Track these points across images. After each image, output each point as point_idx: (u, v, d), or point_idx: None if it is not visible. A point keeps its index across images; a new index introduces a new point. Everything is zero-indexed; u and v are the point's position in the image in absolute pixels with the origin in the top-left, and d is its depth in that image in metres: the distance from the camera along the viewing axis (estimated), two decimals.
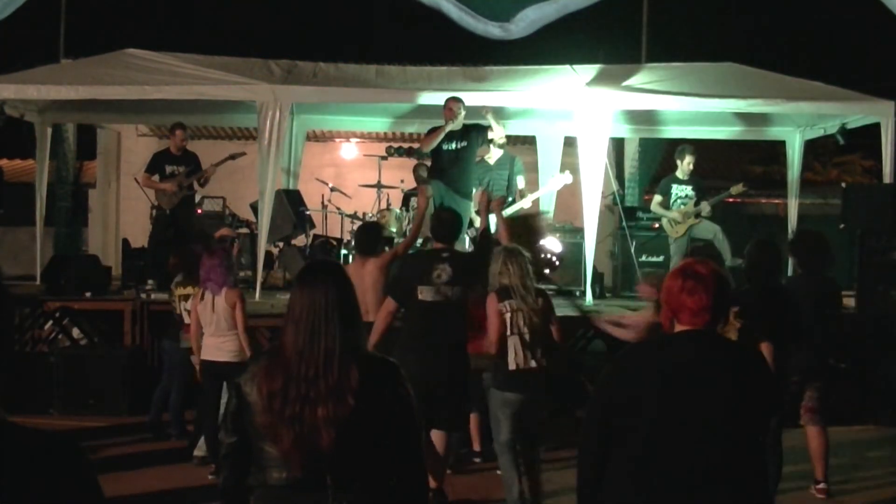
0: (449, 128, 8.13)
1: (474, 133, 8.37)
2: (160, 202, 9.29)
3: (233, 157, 9.38)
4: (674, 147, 9.86)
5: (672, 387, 2.64)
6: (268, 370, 2.55)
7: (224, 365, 5.87)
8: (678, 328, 2.78)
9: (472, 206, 8.97)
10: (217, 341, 5.96)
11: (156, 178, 9.28)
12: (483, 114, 8.43)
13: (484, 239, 6.29)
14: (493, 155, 9.14)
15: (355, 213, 9.75)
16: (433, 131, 8.33)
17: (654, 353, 2.82)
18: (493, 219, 6.75)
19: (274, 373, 2.53)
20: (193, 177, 9.25)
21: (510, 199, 9.10)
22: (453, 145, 8.29)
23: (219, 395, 5.88)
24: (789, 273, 7.63)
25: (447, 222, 5.70)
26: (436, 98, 8.58)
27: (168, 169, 9.21)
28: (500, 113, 9.11)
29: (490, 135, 8.80)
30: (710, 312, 2.72)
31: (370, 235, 6.45)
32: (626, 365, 2.82)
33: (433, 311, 5.31)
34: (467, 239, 8.72)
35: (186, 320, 6.50)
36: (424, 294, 5.32)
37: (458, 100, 8.22)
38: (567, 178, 8.93)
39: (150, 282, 8.72)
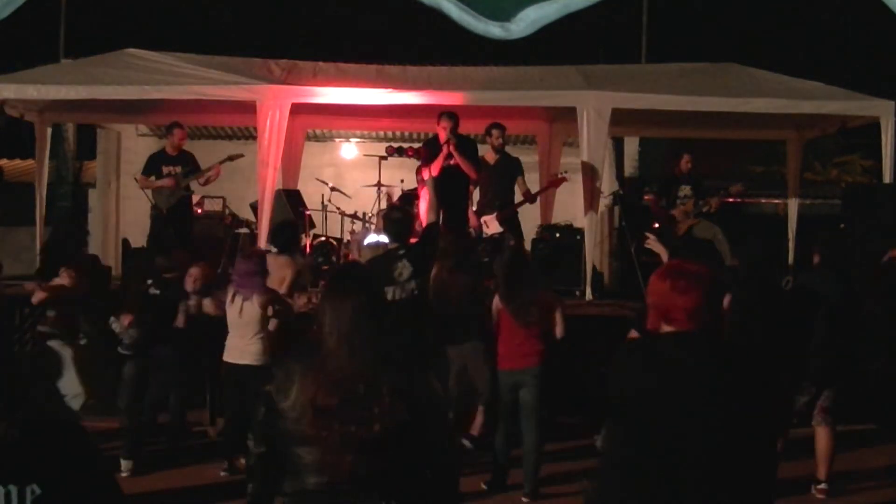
0: (447, 150, 8.26)
1: (467, 145, 8.53)
2: (157, 202, 9.29)
3: (231, 158, 9.38)
4: (674, 147, 9.87)
5: (666, 391, 2.59)
6: (317, 383, 2.49)
7: (245, 368, 5.89)
8: (666, 329, 2.70)
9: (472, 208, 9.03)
10: (242, 343, 5.96)
11: (152, 179, 9.29)
12: None
13: (429, 230, 6.53)
14: (493, 156, 9.17)
15: (355, 213, 9.75)
16: (430, 158, 8.45)
17: (648, 355, 2.75)
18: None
19: (326, 388, 2.48)
20: (191, 177, 9.25)
21: (508, 200, 9.15)
22: (450, 160, 8.43)
23: (240, 396, 5.91)
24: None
25: (398, 221, 5.86)
26: (436, 98, 8.59)
27: (165, 170, 9.22)
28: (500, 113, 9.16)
29: (490, 139, 8.92)
30: (704, 313, 2.66)
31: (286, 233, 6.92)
32: (621, 365, 2.77)
33: (402, 308, 5.44)
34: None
35: None
36: (391, 294, 5.42)
37: (449, 117, 8.32)
38: (565, 178, 8.98)
39: (149, 282, 8.70)
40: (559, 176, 9.66)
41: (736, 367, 2.68)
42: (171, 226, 9.09)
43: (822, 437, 5.81)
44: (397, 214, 6.04)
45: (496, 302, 5.91)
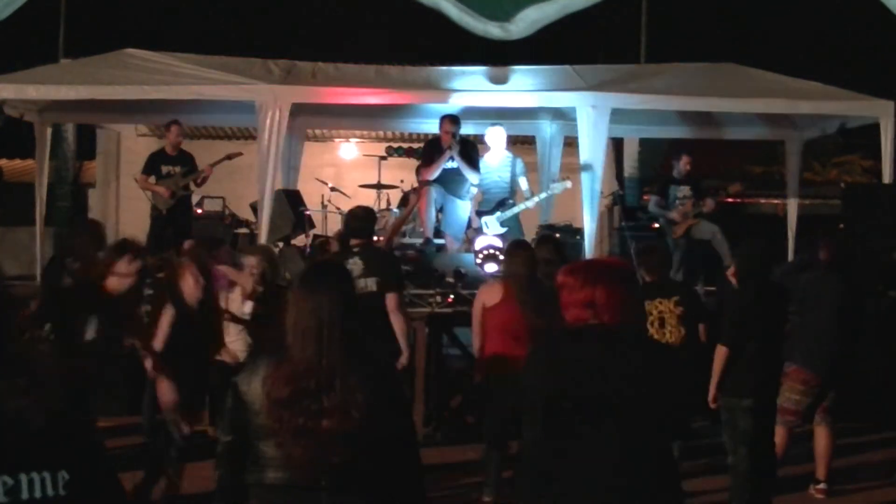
0: (449, 154, 8.29)
1: (467, 148, 8.57)
2: (156, 203, 9.31)
3: (230, 157, 9.39)
4: (674, 147, 9.87)
5: (563, 387, 2.63)
6: (274, 376, 2.55)
7: (235, 365, 5.88)
8: (571, 321, 2.75)
9: (472, 207, 9.04)
10: (229, 340, 5.96)
11: (152, 179, 9.31)
12: None
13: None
14: (494, 156, 9.16)
15: None
16: (431, 160, 8.45)
17: (550, 353, 2.80)
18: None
19: (280, 381, 2.53)
20: (189, 177, 9.27)
21: (510, 200, 9.14)
22: (450, 163, 8.51)
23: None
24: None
25: (359, 218, 5.90)
26: (436, 98, 8.60)
27: (164, 169, 9.24)
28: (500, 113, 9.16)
29: (488, 139, 8.93)
30: (596, 307, 2.68)
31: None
32: (528, 365, 2.81)
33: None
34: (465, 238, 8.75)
35: None
36: None
37: (453, 121, 8.33)
38: (567, 184, 8.96)
39: (149, 281, 8.71)
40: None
41: (635, 362, 2.69)
42: (170, 226, 9.09)
43: (821, 437, 5.81)
44: (361, 212, 6.12)
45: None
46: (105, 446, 1.78)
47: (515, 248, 5.85)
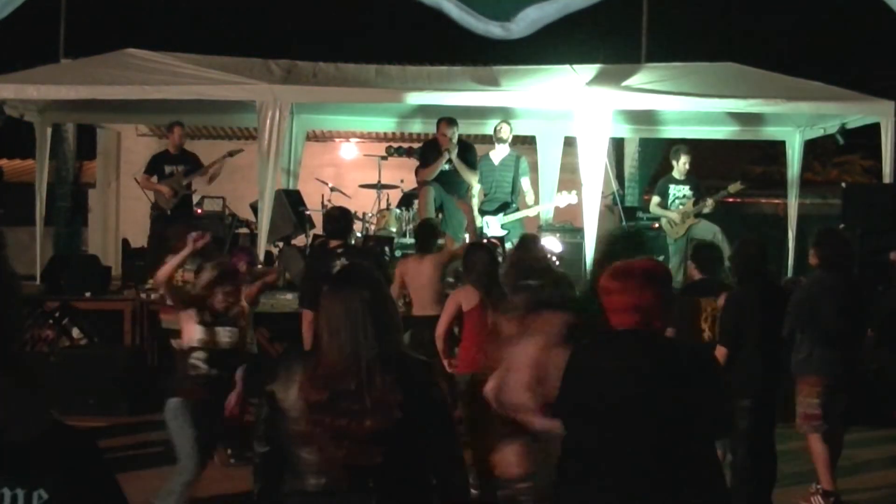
0: (446, 157, 8.35)
1: (464, 151, 8.66)
2: (159, 202, 9.32)
3: (231, 154, 9.41)
4: (674, 147, 9.86)
5: (603, 386, 2.64)
6: (311, 380, 2.52)
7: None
8: (616, 325, 2.78)
9: (475, 205, 9.07)
10: None
11: (154, 178, 9.31)
12: None
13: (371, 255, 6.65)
14: (498, 154, 9.18)
15: (355, 212, 9.73)
16: (428, 162, 8.47)
17: (594, 351, 2.83)
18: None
19: (317, 384, 2.51)
20: (191, 176, 9.28)
21: (514, 204, 9.18)
22: (447, 166, 8.60)
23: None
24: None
25: (336, 219, 6.02)
26: (436, 98, 8.61)
27: (167, 169, 9.25)
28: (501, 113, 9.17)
29: (498, 134, 8.97)
30: (639, 312, 2.70)
31: (427, 233, 6.70)
32: (573, 363, 2.83)
33: None
34: (467, 238, 8.75)
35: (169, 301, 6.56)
36: None
37: (450, 123, 8.38)
38: (573, 198, 8.95)
39: (150, 282, 8.71)
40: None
41: (674, 366, 2.71)
42: (172, 226, 9.09)
43: (828, 439, 5.76)
44: (336, 213, 6.23)
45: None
46: (100, 457, 1.66)
47: (474, 250, 5.92)
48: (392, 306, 2.71)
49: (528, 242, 6.19)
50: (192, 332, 4.90)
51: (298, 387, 2.53)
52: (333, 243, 5.89)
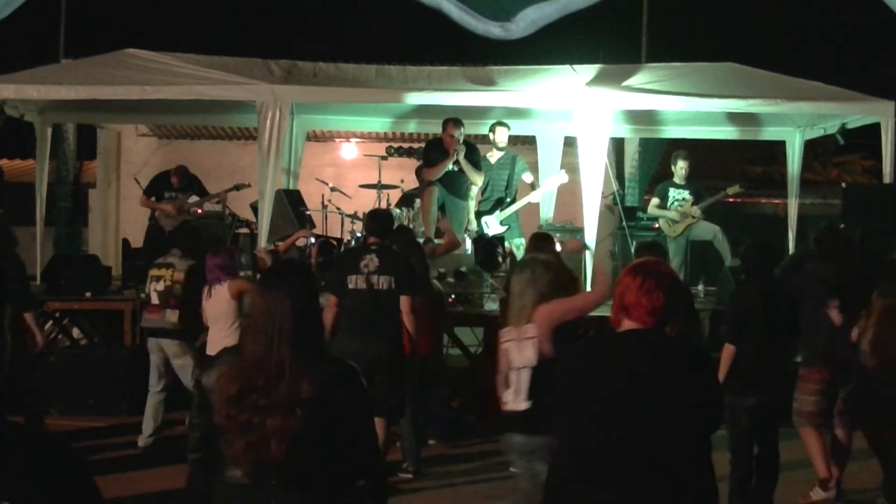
0: (453, 158, 8.38)
1: (469, 151, 8.67)
2: (159, 220, 9.42)
3: (237, 187, 9.56)
4: (674, 147, 9.87)
5: (618, 386, 2.64)
6: (227, 373, 2.57)
7: None
8: (626, 325, 2.78)
9: (472, 207, 9.08)
10: (219, 337, 6.00)
11: (153, 200, 9.42)
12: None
13: (405, 233, 6.71)
14: (495, 154, 9.20)
15: (355, 213, 9.73)
16: (433, 162, 8.51)
17: (603, 350, 2.83)
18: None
19: (231, 377, 2.55)
20: (198, 204, 9.38)
21: (508, 199, 9.19)
22: (450, 166, 8.60)
23: None
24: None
25: (378, 218, 6.18)
26: (436, 98, 8.61)
27: (167, 195, 9.40)
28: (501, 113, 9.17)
29: (493, 137, 8.98)
30: (663, 313, 2.73)
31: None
32: (575, 362, 2.84)
33: (362, 297, 5.67)
34: (468, 240, 8.76)
35: (154, 301, 6.67)
36: (353, 283, 5.69)
37: (457, 124, 8.40)
38: (563, 177, 9.01)
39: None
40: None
41: (683, 364, 2.74)
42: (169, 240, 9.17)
43: (838, 438, 5.75)
44: (380, 211, 6.40)
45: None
46: (75, 465, 1.59)
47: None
48: (317, 306, 2.73)
49: (540, 242, 6.15)
50: None
51: (217, 379, 2.58)
52: (371, 240, 5.99)
